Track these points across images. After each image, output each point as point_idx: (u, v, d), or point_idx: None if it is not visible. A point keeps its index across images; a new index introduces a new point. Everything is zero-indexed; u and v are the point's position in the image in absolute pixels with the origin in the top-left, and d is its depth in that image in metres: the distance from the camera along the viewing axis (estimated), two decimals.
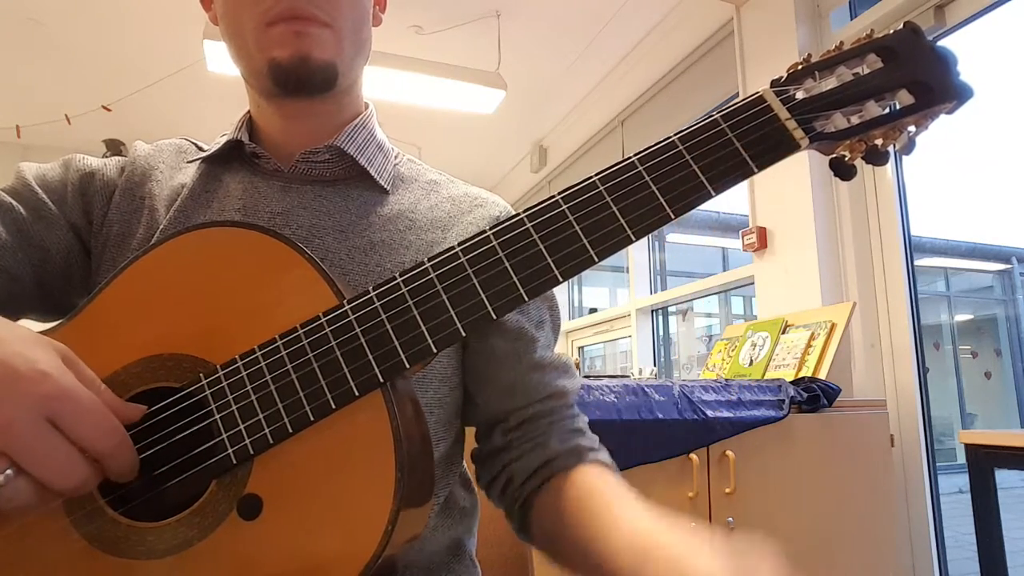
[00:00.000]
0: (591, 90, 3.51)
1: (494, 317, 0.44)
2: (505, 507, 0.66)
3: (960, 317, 5.55)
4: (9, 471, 0.37)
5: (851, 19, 2.25)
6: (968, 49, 2.00)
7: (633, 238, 0.43)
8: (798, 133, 0.43)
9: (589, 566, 0.52)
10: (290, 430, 0.43)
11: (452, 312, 0.44)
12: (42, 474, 0.38)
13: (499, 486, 0.65)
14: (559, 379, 0.67)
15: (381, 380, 0.43)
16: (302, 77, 0.60)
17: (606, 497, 0.55)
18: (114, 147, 3.44)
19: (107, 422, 0.40)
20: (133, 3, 2.72)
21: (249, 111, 0.70)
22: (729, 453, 1.54)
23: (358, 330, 0.44)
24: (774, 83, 0.45)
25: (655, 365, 3.33)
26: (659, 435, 1.45)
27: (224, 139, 0.68)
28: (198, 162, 0.68)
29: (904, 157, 0.44)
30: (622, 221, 0.43)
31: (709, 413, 1.52)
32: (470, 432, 0.71)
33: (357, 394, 0.43)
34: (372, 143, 0.69)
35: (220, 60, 2.58)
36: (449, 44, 2.99)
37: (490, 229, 0.45)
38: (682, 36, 2.88)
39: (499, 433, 0.65)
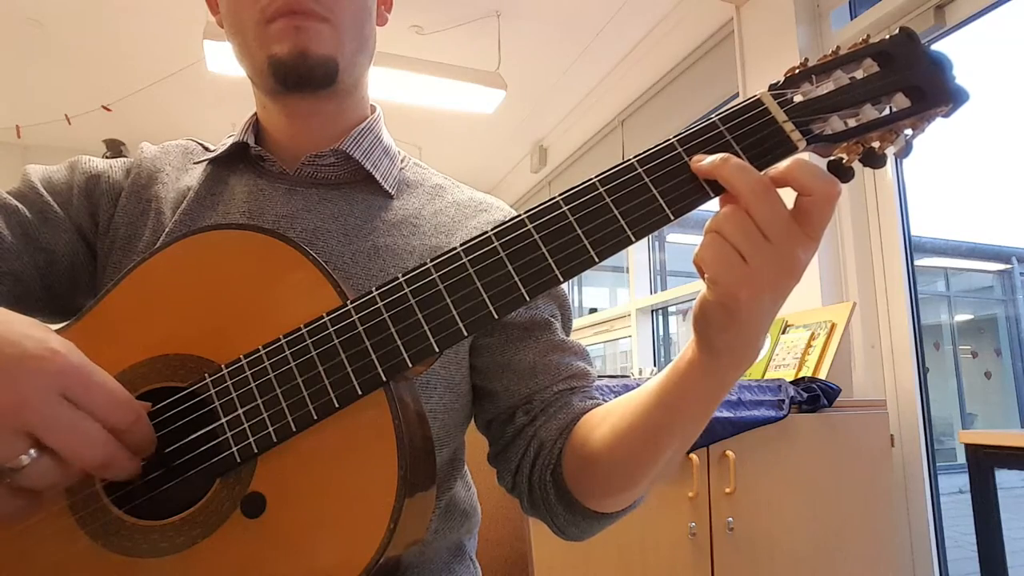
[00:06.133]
0: (591, 90, 3.51)
1: (496, 317, 0.44)
2: (537, 482, 0.61)
3: (960, 317, 5.55)
4: (32, 451, 0.37)
5: (851, 19, 2.25)
6: (968, 49, 2.01)
7: (633, 239, 0.44)
8: (795, 135, 0.43)
9: (632, 439, 0.53)
10: (294, 429, 0.44)
11: (454, 312, 0.44)
12: (65, 449, 0.38)
13: (528, 462, 0.62)
14: (579, 361, 0.67)
15: (384, 379, 0.44)
16: (302, 72, 0.61)
17: (624, 396, 0.57)
18: (114, 147, 3.43)
19: (121, 395, 0.40)
20: (133, 3, 2.72)
21: (256, 113, 0.70)
22: (729, 453, 1.54)
23: (361, 330, 0.45)
24: (772, 87, 0.45)
25: (655, 365, 3.33)
26: None
27: (231, 140, 0.69)
28: (204, 164, 0.68)
29: (903, 158, 0.45)
30: (622, 222, 0.44)
31: None
32: (471, 435, 0.71)
33: (360, 393, 0.44)
34: (378, 147, 0.69)
35: (220, 60, 2.58)
36: (449, 44, 2.99)
37: (492, 230, 0.46)
38: (682, 36, 2.88)
39: (521, 413, 0.64)
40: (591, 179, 0.45)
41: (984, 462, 1.45)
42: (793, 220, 0.41)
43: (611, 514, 0.59)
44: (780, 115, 0.44)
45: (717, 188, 0.43)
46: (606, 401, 0.62)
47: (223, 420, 0.44)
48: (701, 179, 0.43)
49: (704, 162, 0.43)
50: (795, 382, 1.70)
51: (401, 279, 0.46)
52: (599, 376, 1.61)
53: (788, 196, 0.42)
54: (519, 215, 0.46)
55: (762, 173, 0.42)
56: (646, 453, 0.52)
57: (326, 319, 0.45)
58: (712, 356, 0.46)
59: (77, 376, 0.38)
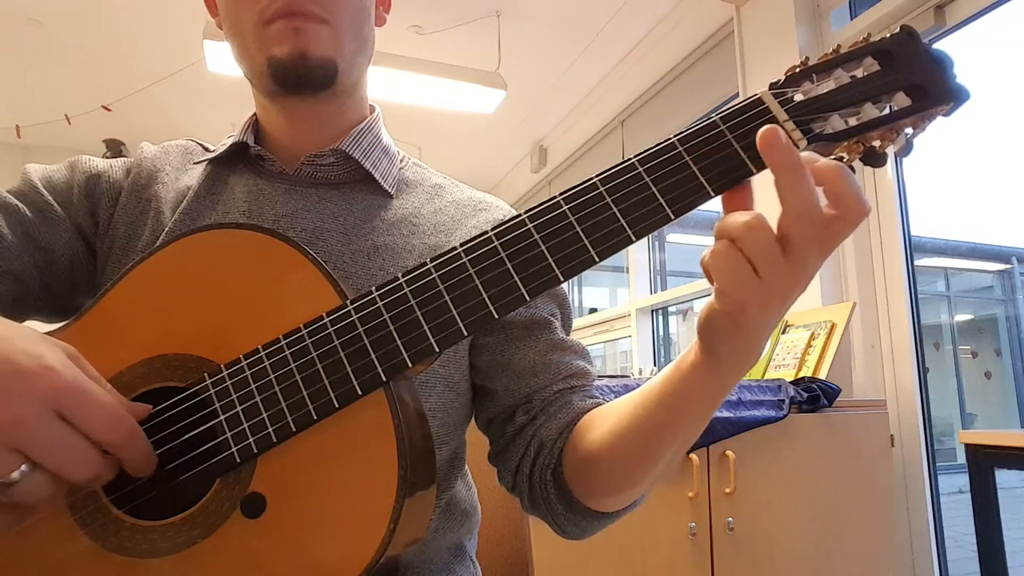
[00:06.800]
0: (591, 90, 3.51)
1: (496, 316, 0.44)
2: (537, 481, 0.61)
3: (960, 317, 5.55)
4: (24, 467, 0.37)
5: (851, 19, 2.25)
6: (968, 49, 2.01)
7: (634, 238, 0.44)
8: (796, 134, 0.43)
9: (632, 438, 0.52)
10: (293, 429, 0.43)
11: (454, 311, 0.44)
12: (57, 467, 0.38)
13: (528, 461, 0.62)
14: (579, 360, 0.67)
15: (384, 379, 0.44)
16: (301, 73, 0.60)
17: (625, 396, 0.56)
18: (114, 147, 3.43)
19: (115, 413, 0.40)
20: (133, 3, 2.72)
21: (255, 113, 0.70)
22: (729, 453, 1.54)
23: (361, 330, 0.45)
24: (772, 86, 0.45)
25: (655, 365, 3.33)
26: None
27: (230, 140, 0.68)
28: (204, 164, 0.68)
29: (904, 157, 0.45)
30: (622, 221, 0.44)
31: None
32: (472, 434, 0.71)
33: (360, 393, 0.44)
34: (378, 147, 0.69)
35: (220, 60, 2.59)
36: (449, 44, 2.99)
37: (492, 230, 0.46)
38: (682, 36, 2.88)
39: (521, 413, 0.64)
40: (591, 178, 0.45)
41: (984, 462, 1.45)
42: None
43: (611, 513, 0.59)
44: (781, 114, 0.43)
45: (719, 188, 0.43)
46: (607, 400, 0.62)
47: (223, 420, 0.44)
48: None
49: (786, 157, 0.39)
50: (795, 382, 1.70)
51: (401, 279, 0.46)
52: (599, 376, 1.61)
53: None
54: (519, 214, 0.46)
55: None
56: (646, 453, 0.52)
57: (326, 319, 0.45)
58: (714, 362, 0.46)
59: (71, 393, 0.38)
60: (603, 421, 0.56)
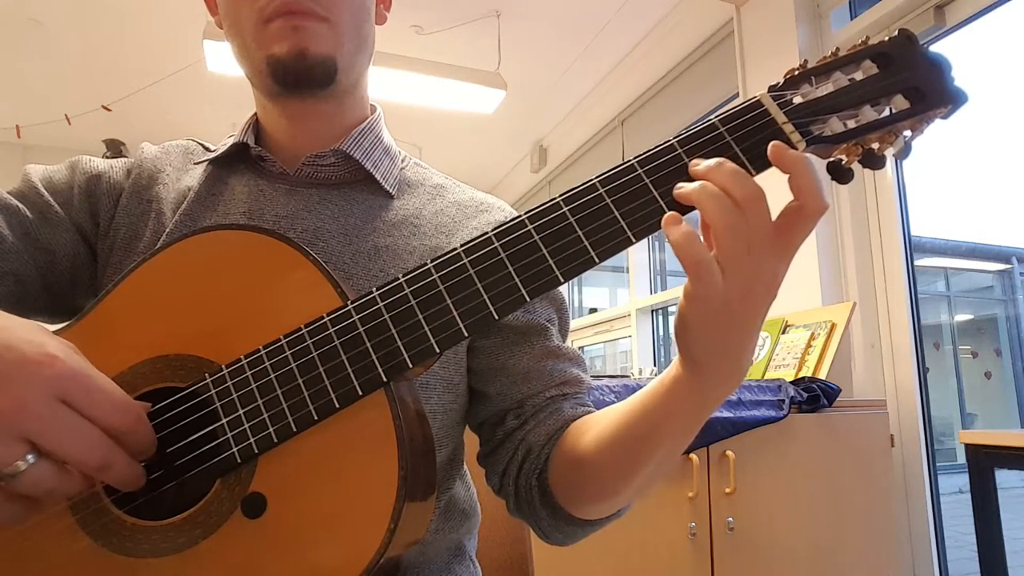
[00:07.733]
0: (591, 90, 3.51)
1: (496, 317, 0.44)
2: (523, 485, 0.61)
3: (960, 317, 5.55)
4: (30, 456, 0.37)
5: (851, 19, 2.25)
6: (968, 49, 2.01)
7: (633, 239, 0.44)
8: (795, 137, 0.43)
9: (614, 448, 0.53)
10: (294, 429, 0.44)
11: (455, 313, 0.45)
12: (63, 452, 0.38)
13: (515, 465, 0.62)
14: (573, 367, 0.67)
15: (384, 380, 0.44)
16: (300, 72, 0.60)
17: (613, 405, 0.56)
18: (114, 147, 3.43)
19: (120, 398, 0.40)
20: (133, 3, 2.72)
21: (256, 113, 0.70)
22: (729, 453, 1.54)
23: (361, 330, 0.45)
24: (771, 88, 0.45)
25: (655, 365, 3.33)
26: None
27: (231, 141, 0.68)
28: (204, 164, 0.68)
29: (902, 160, 0.45)
30: (623, 223, 0.44)
31: None
32: (471, 435, 0.71)
33: (361, 393, 0.44)
34: (379, 147, 0.69)
35: (220, 60, 2.59)
36: (449, 44, 2.99)
37: (492, 231, 0.46)
38: (682, 36, 2.88)
39: (512, 417, 0.64)
40: (591, 180, 0.45)
41: (984, 462, 1.45)
42: (773, 229, 0.41)
43: (593, 521, 0.59)
44: (780, 116, 0.44)
45: None
46: (607, 403, 0.62)
47: (224, 420, 0.44)
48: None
49: (700, 166, 0.43)
50: (795, 382, 1.70)
51: (401, 279, 0.46)
52: (599, 376, 1.61)
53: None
54: (520, 215, 0.46)
55: (771, 145, 0.42)
56: (629, 463, 0.52)
57: (326, 319, 0.45)
58: (695, 371, 0.45)
59: (76, 380, 0.38)
60: (589, 429, 0.57)
